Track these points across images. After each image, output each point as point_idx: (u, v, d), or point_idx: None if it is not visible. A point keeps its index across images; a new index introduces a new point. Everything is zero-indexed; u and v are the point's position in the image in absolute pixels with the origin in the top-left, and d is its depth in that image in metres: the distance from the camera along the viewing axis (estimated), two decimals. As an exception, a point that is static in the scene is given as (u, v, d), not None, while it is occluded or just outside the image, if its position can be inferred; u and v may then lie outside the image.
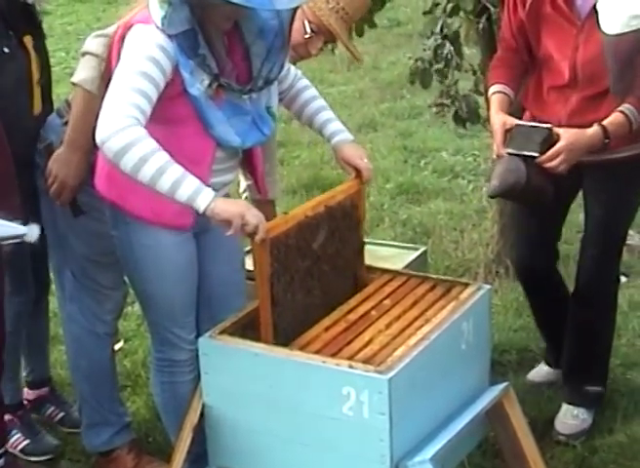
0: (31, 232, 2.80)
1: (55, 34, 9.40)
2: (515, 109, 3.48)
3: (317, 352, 2.78)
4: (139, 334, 4.35)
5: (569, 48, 3.27)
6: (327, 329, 2.91)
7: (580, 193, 3.57)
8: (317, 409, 2.70)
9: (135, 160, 2.63)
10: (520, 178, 3.16)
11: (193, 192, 2.65)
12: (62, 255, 3.41)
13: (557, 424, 3.62)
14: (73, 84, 3.15)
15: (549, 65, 3.35)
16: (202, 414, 2.92)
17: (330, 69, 8.27)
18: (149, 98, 2.70)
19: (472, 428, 2.89)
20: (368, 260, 3.22)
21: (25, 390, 3.82)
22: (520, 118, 3.43)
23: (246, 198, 3.57)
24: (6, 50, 3.20)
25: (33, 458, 3.57)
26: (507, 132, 3.27)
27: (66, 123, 3.21)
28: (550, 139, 3.18)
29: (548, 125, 3.23)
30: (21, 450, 3.57)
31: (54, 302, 4.00)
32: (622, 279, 4.52)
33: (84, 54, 3.16)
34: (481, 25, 4.19)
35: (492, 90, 3.42)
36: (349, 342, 2.83)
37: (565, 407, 3.66)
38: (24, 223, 2.79)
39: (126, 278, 3.27)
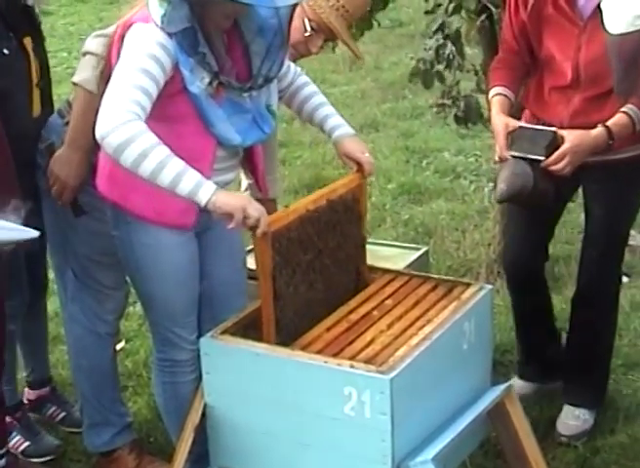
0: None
1: (57, 34, 9.41)
2: (515, 110, 3.48)
3: (319, 352, 2.77)
4: (140, 334, 4.34)
5: (571, 48, 3.26)
6: (328, 329, 2.91)
7: (578, 193, 3.57)
8: (319, 409, 2.70)
9: (135, 155, 2.63)
10: (527, 182, 3.17)
11: (194, 186, 2.65)
12: (64, 255, 3.41)
13: (559, 425, 3.61)
14: (74, 84, 3.15)
15: (551, 66, 3.34)
16: (203, 414, 2.92)
17: (332, 69, 8.27)
18: (149, 95, 2.70)
19: (474, 428, 2.88)
20: (369, 260, 3.22)
21: (26, 390, 3.82)
22: (519, 118, 3.43)
23: (248, 197, 3.57)
24: (6, 51, 3.19)
25: (34, 460, 3.56)
26: (510, 134, 3.26)
27: (67, 123, 3.21)
28: (555, 142, 3.18)
29: (553, 128, 3.23)
30: (22, 452, 3.56)
31: (55, 303, 4.00)
32: (624, 279, 4.51)
33: (84, 53, 3.16)
34: (482, 24, 4.19)
35: (492, 92, 3.41)
36: (351, 342, 2.83)
37: (566, 407, 3.65)
38: (25, 224, 2.79)
39: (127, 278, 3.27)
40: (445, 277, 3.38)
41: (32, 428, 3.64)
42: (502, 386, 3.01)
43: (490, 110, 3.44)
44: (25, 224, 2.69)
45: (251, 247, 3.42)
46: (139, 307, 4.17)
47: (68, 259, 3.39)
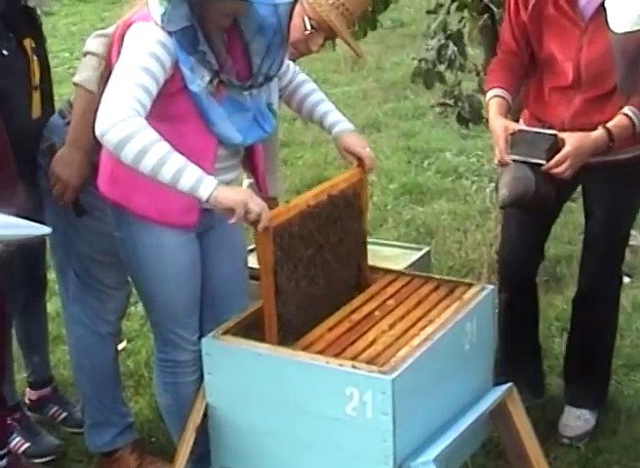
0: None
1: (58, 35, 9.41)
2: (513, 111, 3.47)
3: (321, 352, 2.77)
4: (142, 335, 4.35)
5: (572, 49, 3.25)
6: (330, 329, 2.91)
7: (579, 193, 3.56)
8: (320, 409, 2.70)
9: (135, 151, 2.62)
10: (529, 187, 3.16)
11: (195, 181, 2.64)
12: (66, 255, 3.41)
13: (561, 426, 3.61)
14: (74, 84, 3.16)
15: (552, 67, 3.33)
16: (205, 415, 2.91)
17: (333, 70, 8.28)
18: (149, 93, 2.70)
19: (476, 429, 2.88)
20: (371, 260, 3.22)
21: (28, 390, 3.82)
22: (516, 120, 3.42)
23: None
24: (5, 52, 3.19)
25: (36, 460, 3.56)
26: (509, 137, 3.24)
27: (69, 123, 3.21)
28: (556, 146, 3.17)
29: (553, 131, 3.22)
30: (23, 453, 3.55)
31: (57, 303, 4.00)
32: (626, 279, 4.51)
33: (85, 54, 3.16)
34: (484, 24, 4.19)
35: (490, 94, 3.38)
36: (353, 343, 2.83)
37: (568, 408, 3.65)
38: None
39: (129, 278, 3.27)
40: (447, 277, 3.38)
41: (32, 429, 3.64)
42: (504, 386, 3.01)
43: (487, 112, 3.43)
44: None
45: (252, 246, 3.43)
46: (140, 307, 4.17)
47: (70, 259, 3.39)
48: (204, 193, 2.65)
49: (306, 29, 3.27)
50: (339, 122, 3.12)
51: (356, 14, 3.37)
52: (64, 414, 3.79)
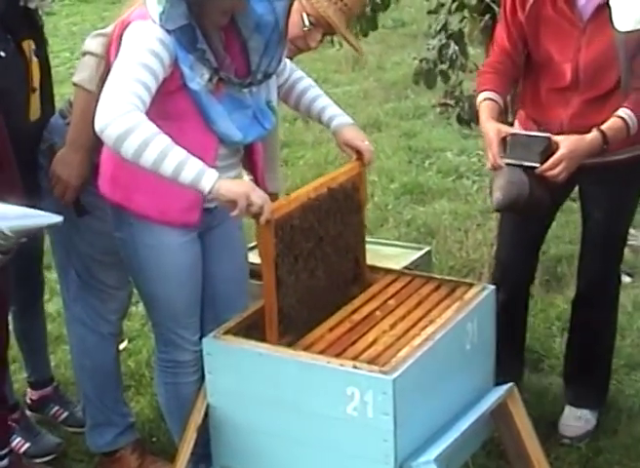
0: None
1: (59, 34, 9.42)
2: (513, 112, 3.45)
3: (321, 352, 2.77)
4: (142, 334, 4.35)
5: (571, 50, 3.24)
6: (331, 329, 2.91)
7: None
8: (321, 409, 2.70)
9: (135, 145, 2.62)
10: (523, 191, 3.13)
11: (197, 174, 2.64)
12: (66, 255, 3.41)
13: (561, 427, 3.61)
14: (74, 84, 3.16)
15: (549, 68, 3.31)
16: (206, 415, 2.91)
17: (334, 69, 8.28)
18: (149, 89, 2.70)
19: (477, 428, 2.88)
20: (372, 259, 3.22)
21: (29, 390, 3.82)
22: (512, 122, 3.40)
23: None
24: (2, 54, 3.19)
25: (36, 460, 3.56)
26: (502, 141, 3.21)
27: (69, 123, 3.21)
28: (550, 149, 3.14)
29: (547, 134, 3.19)
30: (24, 453, 3.55)
31: (58, 303, 4.01)
32: (627, 279, 4.52)
33: (84, 53, 3.16)
34: (485, 24, 4.18)
35: (481, 97, 3.35)
36: (353, 343, 2.83)
37: (568, 408, 3.65)
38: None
39: (130, 278, 3.27)
40: (447, 277, 3.38)
41: (32, 429, 3.63)
42: (505, 386, 3.01)
43: (479, 115, 3.38)
44: None
45: (252, 244, 3.43)
46: (141, 307, 4.17)
47: (71, 259, 3.39)
48: (206, 186, 2.64)
49: (305, 26, 3.26)
50: (337, 116, 3.12)
51: (355, 9, 3.36)
52: (65, 414, 3.79)
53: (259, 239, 2.79)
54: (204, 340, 2.90)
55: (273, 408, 2.78)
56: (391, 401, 2.59)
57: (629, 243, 4.75)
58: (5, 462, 3.20)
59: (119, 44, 2.80)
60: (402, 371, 2.62)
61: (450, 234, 5.22)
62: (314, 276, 2.94)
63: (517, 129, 3.40)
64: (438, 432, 2.78)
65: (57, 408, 3.80)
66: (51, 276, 4.31)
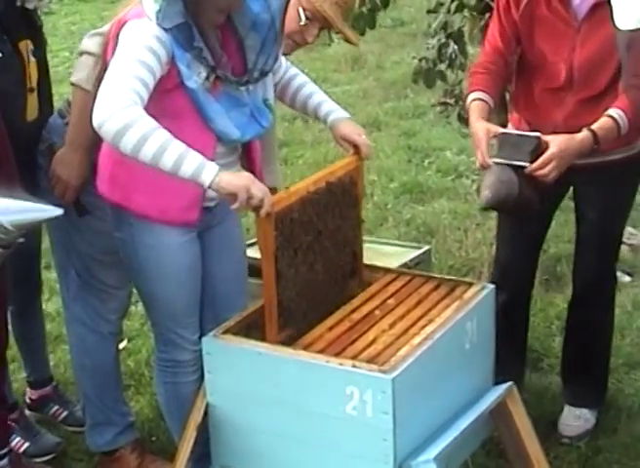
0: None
1: (58, 34, 9.42)
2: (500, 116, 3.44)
3: (321, 351, 2.77)
4: (142, 334, 4.35)
5: (565, 49, 3.23)
6: (331, 328, 2.91)
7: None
8: (321, 408, 2.70)
9: (134, 140, 2.61)
10: (512, 190, 3.09)
11: (197, 167, 2.64)
12: (66, 255, 3.41)
13: (560, 426, 3.61)
14: (72, 84, 3.15)
15: (543, 68, 3.30)
16: (205, 414, 2.91)
17: (334, 69, 8.28)
18: (146, 85, 2.69)
19: (476, 428, 2.88)
20: (372, 257, 3.21)
21: (28, 390, 3.82)
22: (505, 123, 3.39)
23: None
24: None
25: (36, 460, 3.56)
26: (492, 140, 3.19)
27: (68, 123, 3.21)
28: (540, 148, 3.11)
29: (537, 133, 3.16)
30: (23, 453, 3.55)
31: (58, 302, 4.01)
32: (626, 278, 4.52)
33: (81, 53, 3.16)
34: (484, 23, 4.18)
35: (471, 97, 3.33)
36: (353, 342, 2.83)
37: (567, 408, 3.65)
38: None
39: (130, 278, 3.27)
40: (447, 276, 3.38)
41: (31, 428, 3.64)
42: (504, 386, 3.01)
43: (469, 115, 3.36)
44: None
45: (251, 241, 3.43)
46: (140, 306, 4.17)
47: (71, 259, 3.39)
48: (206, 179, 2.64)
49: (301, 20, 3.26)
50: (333, 111, 3.13)
51: (350, 3, 3.36)
52: (65, 413, 3.79)
53: (259, 232, 2.80)
54: (203, 340, 2.90)
55: (273, 407, 2.78)
56: (391, 400, 2.59)
57: (629, 242, 4.77)
58: (4, 462, 3.20)
59: (116, 43, 2.80)
60: (401, 371, 2.62)
61: (449, 233, 5.22)
62: (313, 270, 2.95)
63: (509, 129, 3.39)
64: (437, 431, 2.78)
65: (56, 407, 3.80)
66: (50, 275, 4.31)
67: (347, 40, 3.40)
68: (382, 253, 3.74)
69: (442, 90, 4.71)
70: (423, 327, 2.86)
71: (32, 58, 3.30)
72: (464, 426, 2.81)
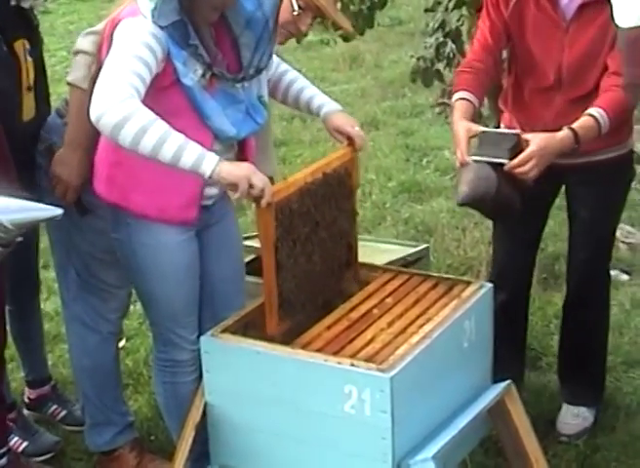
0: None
1: (56, 33, 9.41)
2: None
3: (319, 350, 2.78)
4: (140, 333, 4.35)
5: (554, 49, 3.23)
6: (329, 327, 2.91)
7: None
8: (319, 407, 2.70)
9: (133, 133, 2.61)
10: (490, 188, 3.06)
11: (197, 158, 2.64)
12: (66, 254, 3.41)
13: (559, 425, 3.61)
14: (68, 83, 3.15)
15: (532, 67, 3.30)
16: (204, 413, 2.92)
17: (332, 68, 8.28)
18: (143, 80, 2.70)
19: (474, 426, 2.88)
20: (370, 254, 3.21)
21: (27, 389, 3.82)
22: (499, 123, 3.39)
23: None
24: None
25: (35, 459, 3.56)
26: (472, 139, 3.18)
27: (67, 123, 3.21)
28: (519, 145, 3.10)
29: (516, 131, 3.17)
30: (22, 452, 3.55)
31: (56, 302, 4.00)
32: (624, 277, 4.52)
33: (76, 52, 3.16)
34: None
35: (456, 96, 3.32)
36: (351, 341, 2.83)
37: (565, 406, 3.65)
38: None
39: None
40: (445, 275, 3.37)
41: (29, 427, 3.63)
42: (503, 384, 3.01)
43: (452, 115, 3.35)
44: None
45: (248, 234, 3.42)
46: (139, 306, 4.16)
47: (71, 258, 3.38)
48: (207, 169, 2.64)
49: (294, 10, 3.26)
50: (326, 103, 3.14)
51: None
52: (64, 413, 3.79)
53: (259, 222, 2.80)
54: (202, 339, 2.90)
55: (271, 406, 2.79)
56: (389, 399, 2.59)
57: (627, 241, 4.77)
58: (3, 461, 3.20)
59: (110, 42, 2.80)
60: (400, 369, 2.62)
61: (447, 232, 5.22)
62: (311, 261, 2.96)
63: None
64: (436, 430, 2.78)
65: (55, 406, 3.80)
66: (48, 275, 4.31)
67: (341, 28, 3.38)
68: (381, 250, 3.74)
69: (440, 89, 4.71)
70: (422, 325, 2.86)
71: (29, 58, 3.30)
72: (463, 425, 2.81)
